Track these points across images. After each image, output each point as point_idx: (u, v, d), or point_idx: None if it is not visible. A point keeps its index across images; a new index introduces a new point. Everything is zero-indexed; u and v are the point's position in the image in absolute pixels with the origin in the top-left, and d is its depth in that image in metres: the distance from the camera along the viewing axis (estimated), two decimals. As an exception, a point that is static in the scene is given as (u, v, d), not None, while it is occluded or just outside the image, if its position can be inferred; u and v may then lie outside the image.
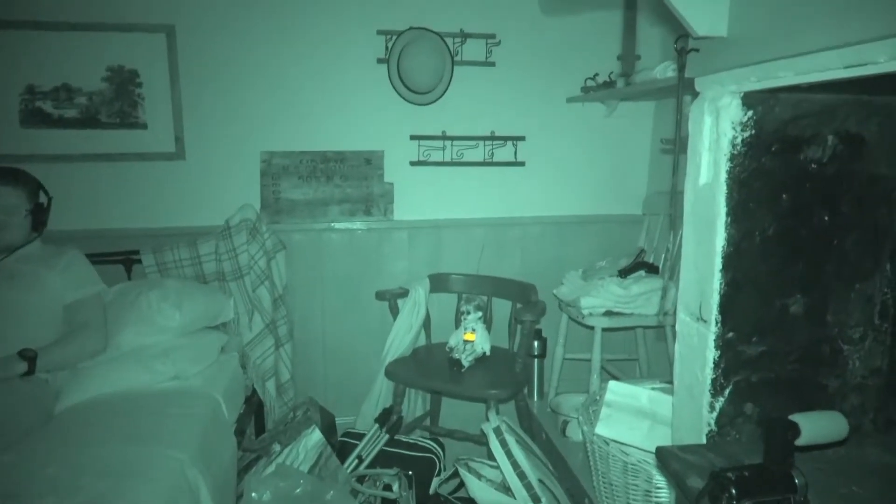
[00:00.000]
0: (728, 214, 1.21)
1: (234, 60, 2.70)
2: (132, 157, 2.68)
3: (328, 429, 2.48)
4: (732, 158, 1.19)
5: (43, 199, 2.23)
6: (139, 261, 2.58)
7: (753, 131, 1.19)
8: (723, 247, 1.22)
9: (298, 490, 1.93)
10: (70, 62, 2.56)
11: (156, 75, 2.64)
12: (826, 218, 1.25)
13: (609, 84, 2.71)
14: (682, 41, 1.24)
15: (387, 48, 2.76)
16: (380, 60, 2.78)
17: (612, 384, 1.80)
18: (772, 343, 1.28)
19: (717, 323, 1.25)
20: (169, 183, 2.74)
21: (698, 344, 1.29)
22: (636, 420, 1.72)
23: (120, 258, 2.60)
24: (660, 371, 2.70)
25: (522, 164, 2.97)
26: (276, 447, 2.30)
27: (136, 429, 1.84)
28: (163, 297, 2.29)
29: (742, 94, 1.17)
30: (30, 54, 2.53)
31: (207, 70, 2.69)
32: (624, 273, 2.50)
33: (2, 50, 2.51)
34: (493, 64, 2.87)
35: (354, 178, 2.86)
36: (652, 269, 2.52)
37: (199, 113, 2.71)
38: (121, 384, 2.07)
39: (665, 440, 1.52)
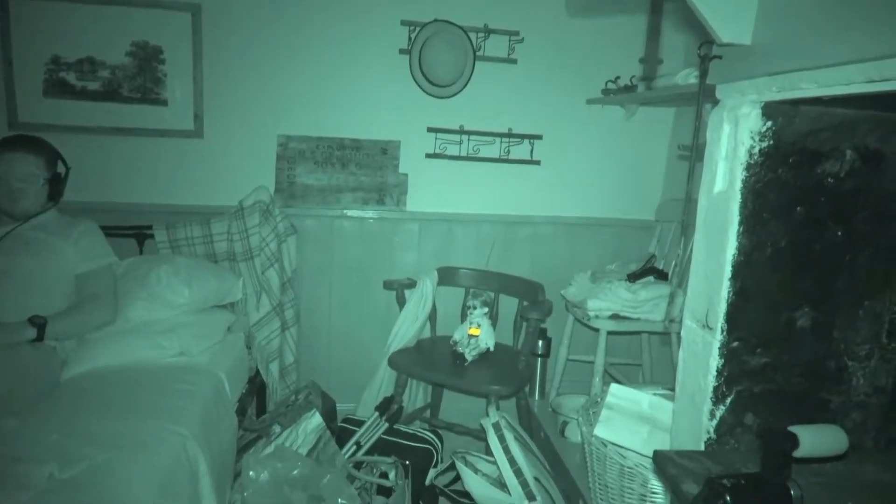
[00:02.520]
0: (741, 224, 1.20)
1: (257, 43, 2.72)
2: (151, 132, 2.70)
3: (328, 414, 2.50)
4: (749, 168, 1.19)
5: (61, 168, 2.25)
6: (152, 236, 2.61)
7: (772, 142, 1.18)
8: (733, 255, 1.22)
9: (296, 472, 1.95)
10: (96, 35, 2.59)
11: (179, 53, 2.65)
12: (839, 233, 1.25)
13: (630, 87, 2.70)
14: (705, 47, 1.23)
15: (409, 39, 2.77)
16: (402, 51, 2.79)
17: (613, 387, 1.80)
18: (776, 355, 1.28)
19: (722, 331, 1.25)
20: (186, 160, 2.76)
21: (702, 351, 1.29)
22: (636, 424, 1.72)
23: (133, 232, 2.63)
24: (663, 378, 2.70)
25: (538, 162, 2.97)
26: (277, 428, 2.32)
27: (140, 402, 1.86)
28: (173, 273, 2.31)
29: (762, 104, 1.17)
30: (56, 25, 2.56)
31: (230, 51, 2.70)
32: (633, 277, 2.49)
33: (29, 20, 2.54)
34: (514, 61, 2.86)
35: (369, 167, 2.87)
36: (661, 276, 2.52)
37: (220, 93, 2.73)
38: (127, 357, 2.09)
39: (664, 446, 1.52)
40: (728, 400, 1.27)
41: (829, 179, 1.22)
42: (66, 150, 2.29)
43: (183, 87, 2.68)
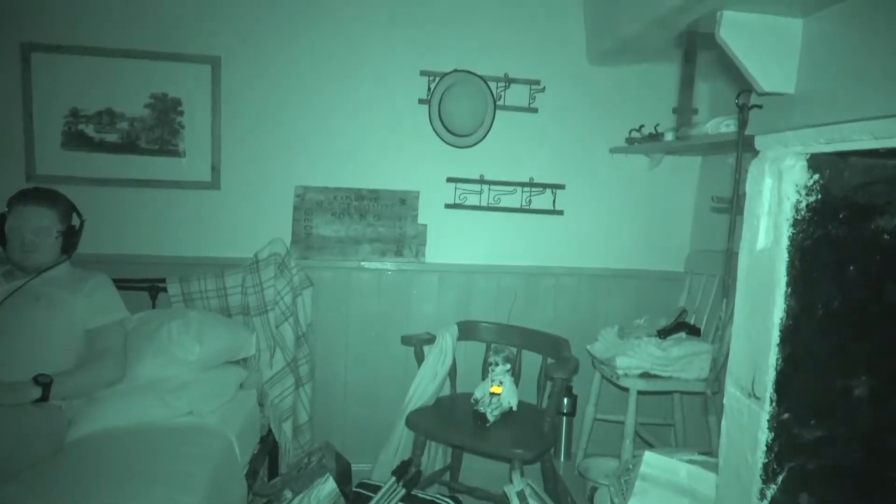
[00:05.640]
0: (788, 284, 1.11)
1: (276, 94, 2.71)
2: (168, 184, 2.68)
3: (343, 477, 2.39)
4: (795, 224, 1.09)
5: (75, 221, 2.22)
6: (165, 289, 2.55)
7: (819, 196, 1.10)
8: (781, 318, 1.12)
9: (307, 543, 1.83)
10: (115, 87, 2.60)
11: (198, 105, 2.65)
12: (898, 293, 1.14)
13: (655, 136, 2.63)
14: (744, 96, 1.16)
15: (429, 89, 2.74)
16: (421, 101, 2.76)
17: (647, 456, 1.67)
18: (832, 427, 1.16)
19: (771, 401, 1.13)
20: (202, 212, 2.72)
21: (749, 423, 1.18)
22: (673, 497, 1.59)
23: (146, 285, 2.58)
24: (696, 439, 2.55)
25: (560, 212, 2.89)
26: (288, 494, 2.21)
27: (147, 467, 1.77)
28: (184, 328, 2.25)
29: (808, 156, 1.09)
30: (76, 78, 2.57)
31: (249, 102, 2.69)
32: (663, 334, 2.38)
33: (49, 73, 2.55)
34: (535, 110, 2.82)
35: (388, 218, 2.82)
36: (693, 331, 2.40)
37: (237, 144, 2.71)
38: (135, 417, 2.02)
39: (706, 524, 1.40)
40: (780, 478, 1.15)
41: (886, 236, 1.12)
42: (82, 201, 2.27)
43: (200, 138, 2.67)
